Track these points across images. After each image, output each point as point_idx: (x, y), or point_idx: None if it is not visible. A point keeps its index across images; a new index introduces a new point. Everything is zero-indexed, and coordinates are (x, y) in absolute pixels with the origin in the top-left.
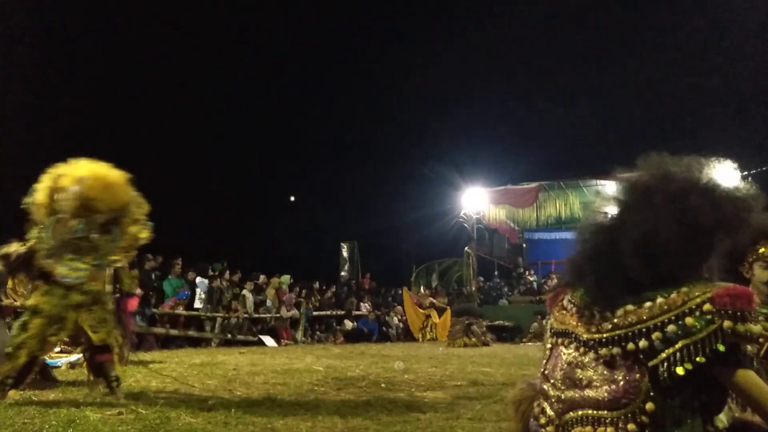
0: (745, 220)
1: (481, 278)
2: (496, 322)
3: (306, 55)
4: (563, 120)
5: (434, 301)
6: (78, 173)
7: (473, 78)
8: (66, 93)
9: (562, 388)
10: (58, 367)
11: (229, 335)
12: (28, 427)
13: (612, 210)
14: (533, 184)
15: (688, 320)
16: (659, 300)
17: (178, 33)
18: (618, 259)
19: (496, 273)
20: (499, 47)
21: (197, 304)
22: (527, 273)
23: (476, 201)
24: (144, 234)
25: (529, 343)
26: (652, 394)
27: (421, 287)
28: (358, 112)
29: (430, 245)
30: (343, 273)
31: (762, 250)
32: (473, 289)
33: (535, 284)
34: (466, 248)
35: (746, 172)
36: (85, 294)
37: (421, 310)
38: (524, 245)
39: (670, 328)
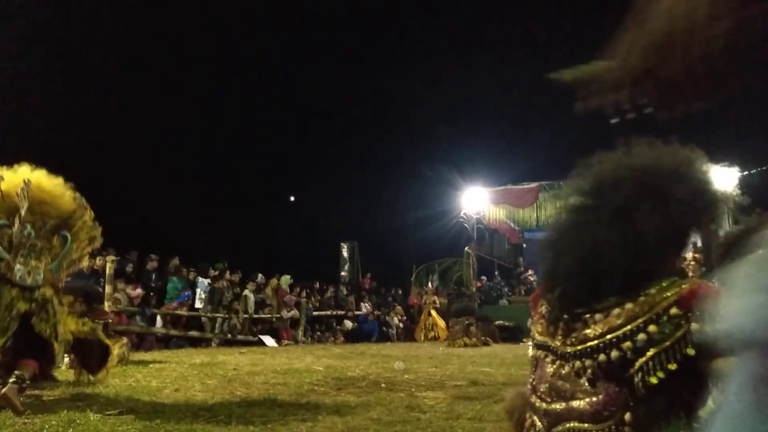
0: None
1: (484, 277)
2: (497, 322)
3: (306, 55)
4: (563, 120)
5: (435, 299)
6: (22, 177)
7: (473, 78)
8: (66, 91)
9: (548, 400)
10: (59, 367)
11: (230, 335)
12: (28, 427)
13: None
14: (533, 184)
15: (655, 327)
16: (628, 306)
17: (179, 32)
18: (579, 258)
19: (496, 273)
20: (500, 47)
21: (198, 305)
22: (527, 273)
23: (476, 201)
24: (96, 239)
25: (529, 343)
26: (631, 404)
27: (429, 284)
28: (359, 112)
29: (430, 245)
30: (343, 273)
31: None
32: (473, 289)
33: (535, 284)
34: (466, 248)
35: (746, 172)
36: (32, 301)
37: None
38: (524, 245)
39: (640, 336)
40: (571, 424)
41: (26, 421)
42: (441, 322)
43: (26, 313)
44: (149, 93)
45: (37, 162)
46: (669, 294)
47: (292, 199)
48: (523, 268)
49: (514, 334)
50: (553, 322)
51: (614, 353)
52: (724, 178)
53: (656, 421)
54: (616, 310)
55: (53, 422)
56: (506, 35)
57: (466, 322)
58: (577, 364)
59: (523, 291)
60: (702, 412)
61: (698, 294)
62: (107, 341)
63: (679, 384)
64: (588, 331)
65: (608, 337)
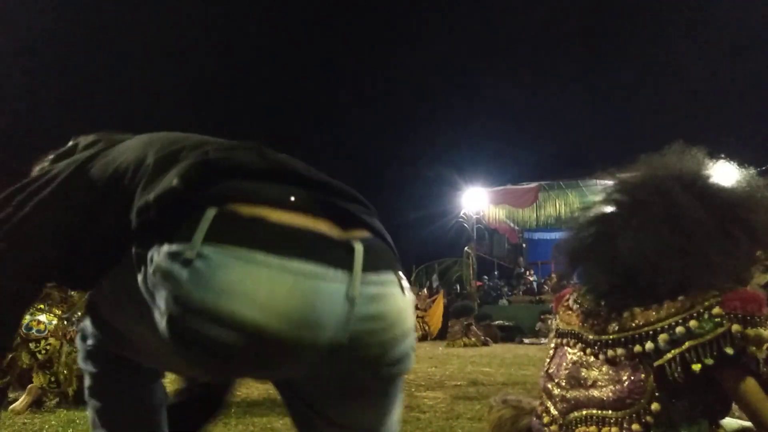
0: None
1: (486, 277)
2: (496, 322)
3: (306, 55)
4: (563, 119)
5: (430, 301)
6: None
7: (473, 78)
8: (66, 90)
9: (567, 387)
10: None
11: None
12: (28, 428)
13: (609, 210)
14: (533, 184)
15: (696, 322)
16: (666, 303)
17: (181, 32)
18: (609, 260)
19: (496, 273)
20: (500, 47)
21: None
22: (527, 273)
23: (476, 201)
24: None
25: (527, 341)
26: (657, 394)
27: (425, 290)
28: (358, 112)
29: (430, 245)
30: None
31: (758, 252)
32: (473, 289)
33: (535, 284)
34: (465, 248)
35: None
36: (38, 354)
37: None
38: (524, 245)
39: (678, 329)
40: (589, 411)
41: (26, 421)
42: (436, 324)
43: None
44: (149, 93)
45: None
46: (712, 294)
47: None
48: (523, 269)
49: (514, 334)
50: (590, 314)
51: (648, 344)
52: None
53: (676, 416)
54: (655, 305)
55: (53, 422)
56: (507, 35)
57: (466, 322)
58: (610, 352)
59: (522, 291)
60: (724, 426)
61: (743, 298)
62: None
63: (705, 386)
64: (624, 321)
65: (645, 329)
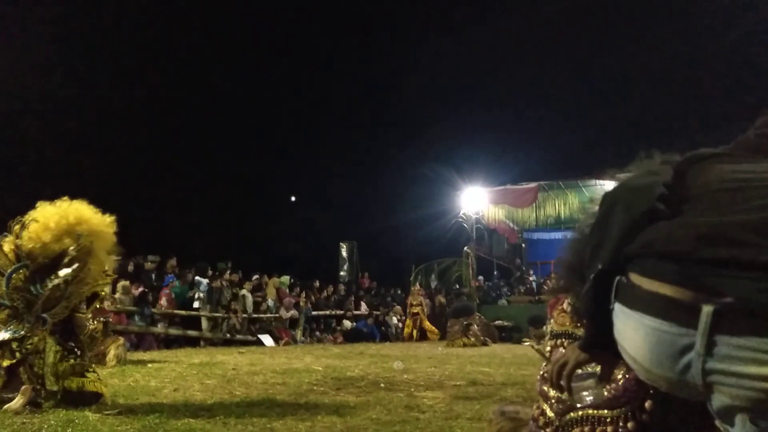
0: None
1: (481, 277)
2: (496, 322)
3: (305, 55)
4: (563, 119)
5: (422, 301)
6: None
7: (472, 78)
8: (65, 93)
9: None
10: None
11: (228, 335)
12: (27, 427)
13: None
14: (532, 184)
15: None
16: None
17: (179, 33)
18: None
19: (495, 273)
20: (499, 47)
21: (196, 304)
22: (527, 273)
23: (475, 201)
24: (107, 273)
25: (526, 342)
26: (651, 392)
27: (417, 284)
28: (358, 112)
29: (430, 245)
30: (342, 273)
31: None
32: (472, 289)
33: (534, 284)
34: (465, 248)
35: None
36: (17, 352)
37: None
38: (523, 245)
39: None
40: (584, 411)
41: (25, 420)
42: (429, 326)
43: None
44: (150, 93)
45: (37, 162)
46: None
47: (293, 199)
48: (522, 269)
49: (513, 334)
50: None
51: None
52: None
53: (673, 414)
54: None
55: (52, 422)
56: (505, 35)
57: (465, 322)
58: None
59: (522, 291)
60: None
61: None
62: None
63: None
64: None
65: None
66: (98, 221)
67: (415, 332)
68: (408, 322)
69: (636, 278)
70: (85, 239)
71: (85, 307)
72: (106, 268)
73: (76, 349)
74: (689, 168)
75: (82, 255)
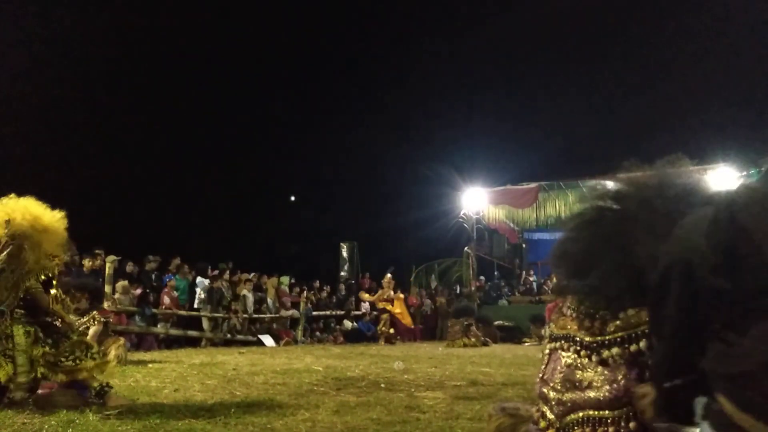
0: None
1: (482, 277)
2: (496, 323)
3: (305, 55)
4: (563, 120)
5: (391, 294)
6: None
7: (473, 78)
8: (66, 92)
9: (562, 390)
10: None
11: (229, 335)
12: (28, 427)
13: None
14: (533, 184)
15: None
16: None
17: (178, 33)
18: (620, 263)
19: (495, 273)
20: (499, 47)
21: (197, 304)
22: (527, 273)
23: (476, 201)
24: (57, 259)
25: (527, 343)
26: None
27: (389, 274)
28: (358, 112)
29: (430, 245)
30: (342, 273)
31: None
32: (473, 289)
33: (534, 284)
34: (465, 248)
35: (745, 172)
36: None
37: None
38: (524, 245)
39: None
40: (585, 413)
41: (25, 421)
42: (407, 320)
43: None
44: (150, 94)
45: (36, 163)
46: None
47: (293, 199)
48: (522, 269)
49: (514, 335)
50: (586, 312)
51: (643, 343)
52: (724, 179)
53: None
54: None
55: (52, 422)
56: (505, 35)
57: (466, 323)
58: (605, 353)
59: (522, 291)
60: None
61: None
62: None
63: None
64: (619, 322)
65: (640, 328)
66: (47, 217)
67: (388, 329)
68: (383, 317)
69: (729, 408)
70: (14, 225)
71: (66, 312)
72: (55, 255)
73: (49, 340)
74: (746, 212)
75: (12, 241)
